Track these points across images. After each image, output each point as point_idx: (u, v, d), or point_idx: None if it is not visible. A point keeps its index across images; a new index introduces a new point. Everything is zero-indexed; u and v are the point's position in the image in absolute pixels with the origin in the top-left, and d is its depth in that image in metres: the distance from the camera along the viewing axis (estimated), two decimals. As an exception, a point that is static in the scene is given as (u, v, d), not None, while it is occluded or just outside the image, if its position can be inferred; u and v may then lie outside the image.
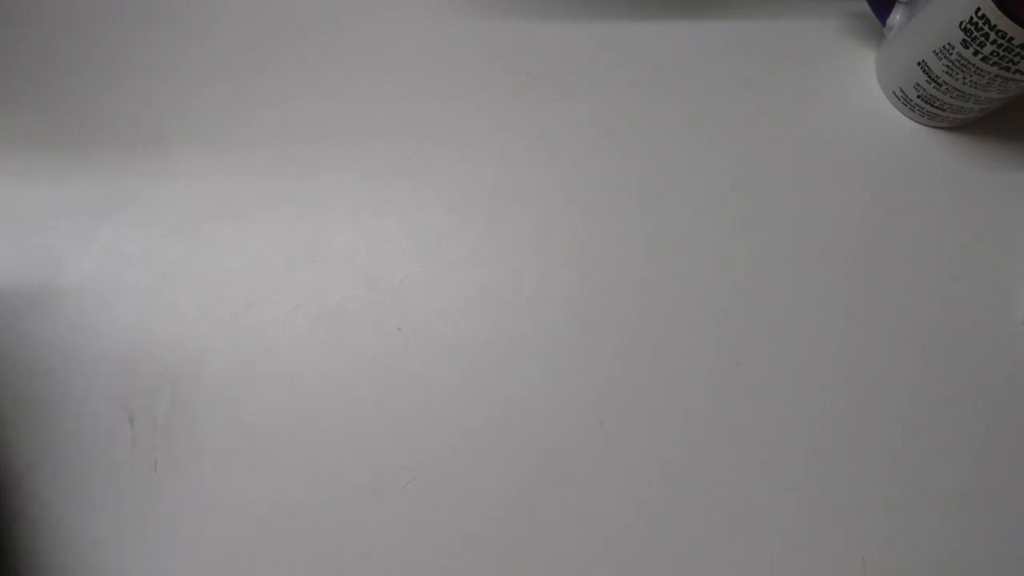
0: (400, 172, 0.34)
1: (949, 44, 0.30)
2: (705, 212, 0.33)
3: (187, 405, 0.30)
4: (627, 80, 0.36)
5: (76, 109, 0.34)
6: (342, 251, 0.32)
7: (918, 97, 0.33)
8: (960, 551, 0.28)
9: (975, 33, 0.28)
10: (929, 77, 0.32)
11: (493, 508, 0.29)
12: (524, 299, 0.32)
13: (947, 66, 0.30)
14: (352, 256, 0.32)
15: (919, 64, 0.32)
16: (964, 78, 0.30)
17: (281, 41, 0.36)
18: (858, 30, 0.37)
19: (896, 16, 0.34)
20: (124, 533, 0.28)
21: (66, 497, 0.29)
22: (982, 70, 0.29)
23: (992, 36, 0.28)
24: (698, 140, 0.35)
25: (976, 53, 0.29)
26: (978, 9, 0.27)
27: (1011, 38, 0.27)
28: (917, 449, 0.30)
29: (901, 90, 0.34)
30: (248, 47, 0.36)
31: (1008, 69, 0.29)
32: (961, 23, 0.28)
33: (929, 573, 0.28)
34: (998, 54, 0.28)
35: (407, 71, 0.36)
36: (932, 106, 0.33)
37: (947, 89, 0.31)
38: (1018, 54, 0.28)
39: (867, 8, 0.35)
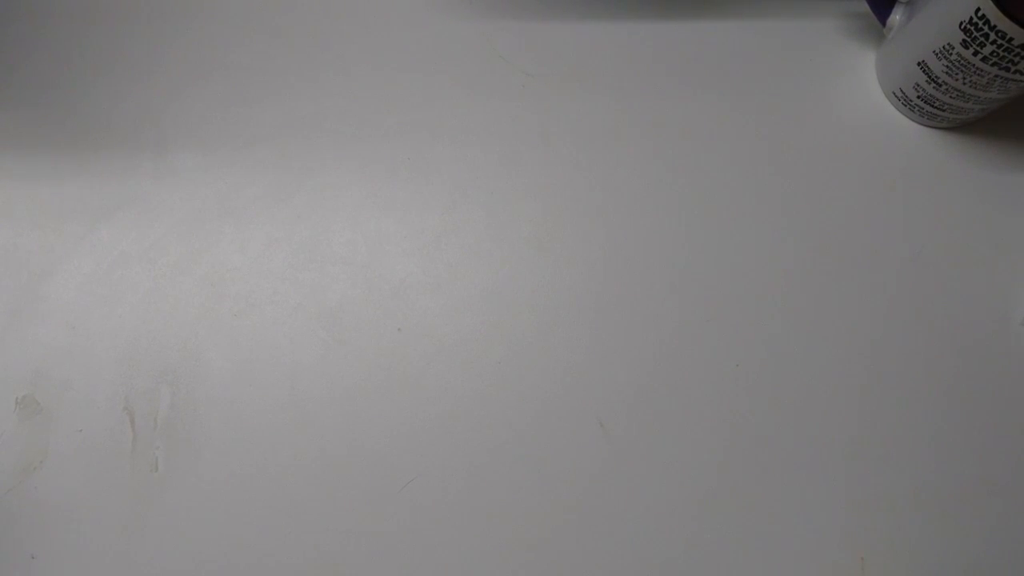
0: (400, 172, 0.34)
1: (949, 44, 0.30)
2: (705, 212, 0.33)
3: (187, 405, 0.30)
4: (627, 80, 0.36)
5: (76, 109, 0.34)
6: (342, 251, 0.32)
7: (918, 97, 0.33)
8: (960, 551, 0.28)
9: (975, 33, 0.28)
10: (929, 77, 0.32)
11: (493, 508, 0.29)
12: (524, 299, 0.32)
13: (947, 66, 0.30)
14: (352, 256, 0.32)
15: (919, 64, 0.32)
16: (964, 78, 0.30)
17: (281, 41, 0.36)
18: (858, 30, 0.37)
19: (896, 16, 0.34)
20: (124, 533, 0.28)
21: (66, 497, 0.29)
22: (982, 70, 0.29)
23: (992, 36, 0.28)
24: (698, 140, 0.35)
25: (976, 53, 0.29)
26: (978, 9, 0.27)
27: (1011, 38, 0.27)
28: (917, 449, 0.30)
29: (901, 90, 0.34)
30: (248, 47, 0.36)
31: (1008, 69, 0.29)
32: (961, 23, 0.28)
33: (929, 573, 0.28)
34: (998, 54, 0.28)
35: (407, 71, 0.36)
36: (932, 106, 0.33)
37: (947, 89, 0.32)
38: (1018, 54, 0.28)
39: (867, 8, 0.35)
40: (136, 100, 0.35)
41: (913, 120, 0.35)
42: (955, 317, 0.32)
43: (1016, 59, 0.28)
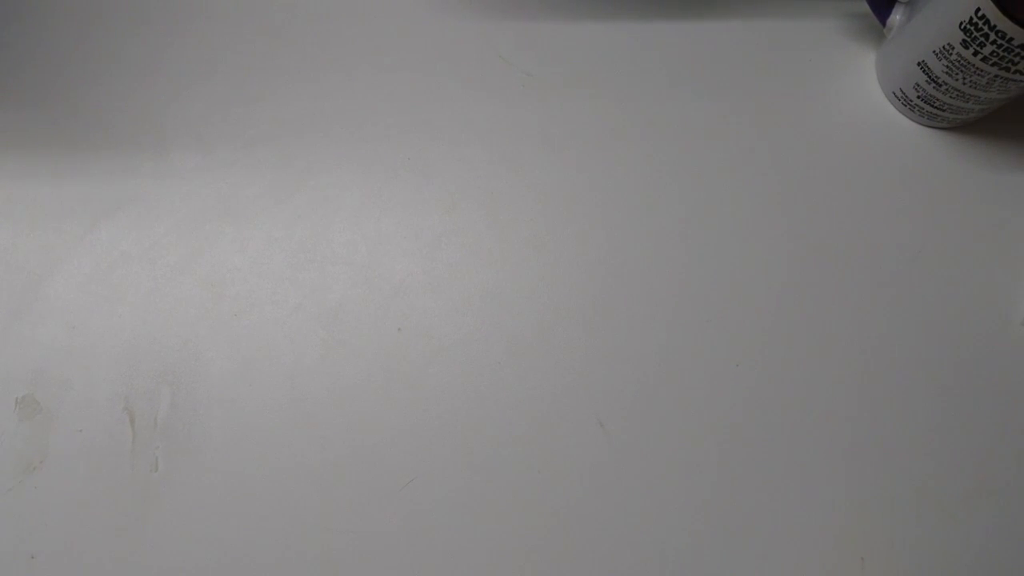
0: (400, 172, 0.34)
1: (949, 44, 0.30)
2: (704, 212, 0.33)
3: (187, 405, 0.30)
4: (627, 80, 0.36)
5: (76, 109, 0.34)
6: (342, 251, 0.32)
7: (918, 97, 0.33)
8: (960, 551, 0.28)
9: (975, 33, 0.28)
10: (929, 77, 0.32)
11: (493, 509, 0.29)
12: (524, 299, 0.32)
13: (947, 66, 0.30)
14: (352, 256, 0.32)
15: (919, 64, 0.32)
16: (964, 78, 0.30)
17: (281, 41, 0.36)
18: (858, 30, 0.37)
19: (896, 16, 0.34)
20: (124, 533, 0.28)
21: (66, 497, 0.29)
22: (982, 70, 0.29)
23: (992, 36, 0.28)
24: (698, 140, 0.35)
25: (976, 53, 0.29)
26: (978, 9, 0.27)
27: (1011, 38, 0.27)
28: (917, 449, 0.30)
29: (901, 90, 0.34)
30: (248, 47, 0.36)
31: (1008, 69, 0.29)
32: (961, 23, 0.28)
33: (929, 573, 0.28)
34: (998, 54, 0.28)
35: (407, 71, 0.36)
36: (932, 106, 0.33)
37: (947, 89, 0.32)
38: (1018, 54, 0.28)
39: (867, 8, 0.35)
40: (136, 100, 0.35)
41: (913, 120, 0.35)
42: (955, 317, 0.32)
43: (1016, 59, 0.28)
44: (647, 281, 0.32)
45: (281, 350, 0.31)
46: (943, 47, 0.30)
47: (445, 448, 0.29)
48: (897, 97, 0.35)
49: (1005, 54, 0.28)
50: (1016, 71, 0.29)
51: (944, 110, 0.33)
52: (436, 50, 0.36)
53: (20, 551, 0.28)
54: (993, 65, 0.29)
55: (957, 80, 0.31)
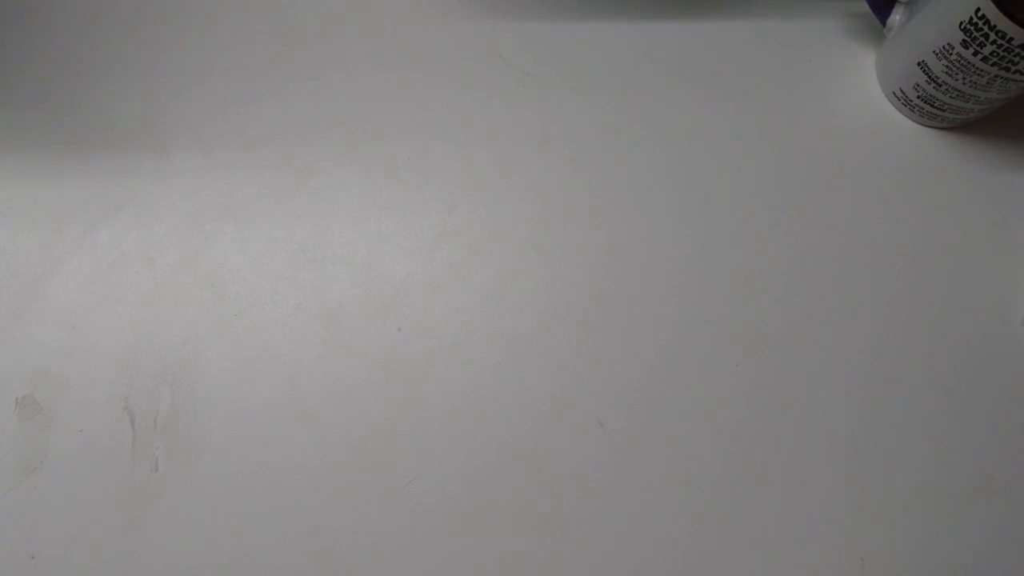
0: (400, 172, 0.34)
1: (949, 44, 0.30)
2: (705, 212, 0.33)
3: (187, 405, 0.30)
4: (627, 80, 0.36)
5: (76, 109, 0.34)
6: (342, 251, 0.32)
7: (918, 97, 0.33)
8: (960, 551, 0.28)
9: (975, 33, 0.28)
10: (929, 77, 0.32)
11: (493, 509, 0.29)
12: (524, 299, 0.32)
13: (947, 66, 0.30)
14: (352, 256, 0.32)
15: (919, 64, 0.32)
16: (964, 78, 0.30)
17: (281, 41, 0.36)
18: (858, 30, 0.37)
19: (896, 16, 0.34)
20: (124, 533, 0.28)
21: (66, 497, 0.29)
22: (982, 70, 0.29)
23: (992, 36, 0.28)
24: (698, 140, 0.35)
25: (976, 53, 0.29)
26: (978, 9, 0.27)
27: (1011, 38, 0.27)
28: (917, 449, 0.30)
29: (901, 90, 0.34)
30: (248, 47, 0.36)
31: (1008, 69, 0.29)
32: (961, 23, 0.28)
33: (929, 573, 0.28)
34: (998, 54, 0.28)
35: (407, 71, 0.36)
36: (932, 106, 0.33)
37: (947, 89, 0.32)
38: (1018, 54, 0.28)
39: (867, 8, 0.35)
40: (136, 100, 0.35)
41: (913, 120, 0.35)
42: (955, 317, 0.32)
43: (1016, 59, 0.28)
44: (647, 281, 0.32)
45: (281, 350, 0.31)
46: (943, 47, 0.30)
47: (445, 448, 0.29)
48: (897, 97, 0.35)
49: (1005, 54, 0.28)
50: (1016, 71, 0.29)
51: (944, 110, 0.33)
52: (436, 50, 0.36)
53: (20, 551, 0.28)
54: (993, 65, 0.29)
55: (957, 80, 0.31)
